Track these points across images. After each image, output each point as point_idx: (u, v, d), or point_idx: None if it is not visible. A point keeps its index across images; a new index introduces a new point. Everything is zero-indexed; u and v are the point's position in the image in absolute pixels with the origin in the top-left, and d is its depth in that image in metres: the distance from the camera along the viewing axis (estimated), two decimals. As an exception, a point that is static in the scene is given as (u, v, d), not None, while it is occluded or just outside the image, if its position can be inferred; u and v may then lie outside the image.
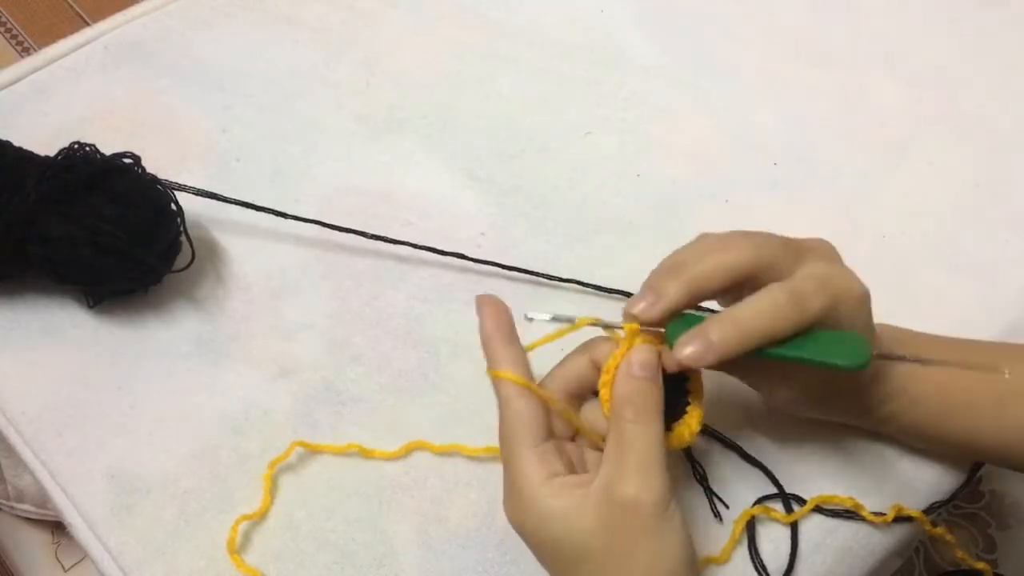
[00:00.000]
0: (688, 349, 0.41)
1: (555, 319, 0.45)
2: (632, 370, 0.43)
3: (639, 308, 0.43)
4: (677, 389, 0.45)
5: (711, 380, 0.54)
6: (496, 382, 0.44)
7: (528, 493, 0.42)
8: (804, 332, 0.43)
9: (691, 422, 0.45)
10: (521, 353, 0.44)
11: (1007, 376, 0.49)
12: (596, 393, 0.45)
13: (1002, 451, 0.50)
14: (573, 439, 0.46)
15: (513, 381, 0.43)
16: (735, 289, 0.44)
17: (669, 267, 0.44)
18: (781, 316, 0.42)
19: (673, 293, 0.43)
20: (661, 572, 0.41)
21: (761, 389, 0.49)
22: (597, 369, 0.45)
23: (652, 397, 0.42)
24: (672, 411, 0.44)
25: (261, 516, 0.50)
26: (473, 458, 0.52)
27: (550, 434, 0.44)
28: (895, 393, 0.49)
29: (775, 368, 0.47)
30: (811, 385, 0.48)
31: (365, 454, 0.52)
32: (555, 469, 0.42)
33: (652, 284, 0.44)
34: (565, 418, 0.45)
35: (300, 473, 0.52)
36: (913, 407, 0.49)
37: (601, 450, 0.44)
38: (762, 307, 0.42)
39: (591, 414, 0.46)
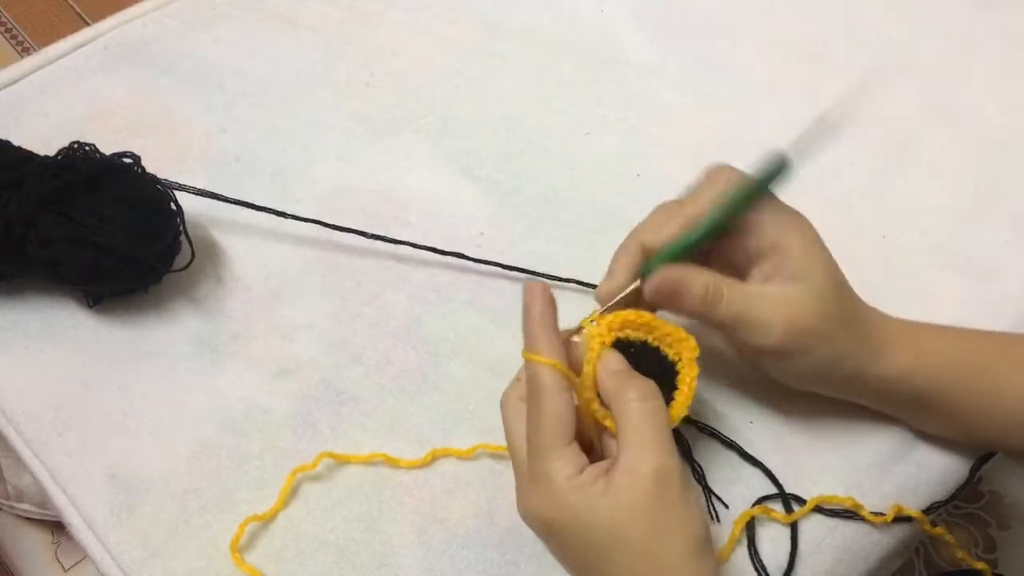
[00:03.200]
0: (651, 286, 0.47)
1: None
2: (610, 366, 0.44)
3: (602, 290, 0.48)
4: (667, 377, 0.47)
5: (710, 380, 0.55)
6: (535, 368, 0.43)
7: (560, 487, 0.42)
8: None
9: (676, 407, 0.47)
10: (562, 346, 0.44)
11: None
12: None
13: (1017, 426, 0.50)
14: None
15: (556, 369, 0.43)
16: None
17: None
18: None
19: (620, 261, 0.49)
20: (697, 538, 0.42)
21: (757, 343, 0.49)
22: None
23: (642, 381, 0.44)
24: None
25: (270, 518, 0.50)
26: (469, 459, 0.52)
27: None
28: (900, 340, 0.49)
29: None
30: (808, 337, 0.48)
31: (391, 463, 0.52)
32: (583, 463, 0.43)
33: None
34: (593, 417, 0.45)
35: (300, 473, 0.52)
36: (923, 362, 0.49)
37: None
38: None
39: None
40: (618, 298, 0.48)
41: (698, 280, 0.47)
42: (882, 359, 0.49)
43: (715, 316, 0.47)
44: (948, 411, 0.51)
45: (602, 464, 0.43)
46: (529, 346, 0.44)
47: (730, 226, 0.48)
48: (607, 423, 0.44)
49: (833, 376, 0.50)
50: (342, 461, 0.52)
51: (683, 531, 0.41)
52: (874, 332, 0.50)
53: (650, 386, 0.44)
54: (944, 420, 0.52)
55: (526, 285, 0.45)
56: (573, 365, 0.45)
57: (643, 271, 0.48)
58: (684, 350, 0.48)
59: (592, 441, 0.45)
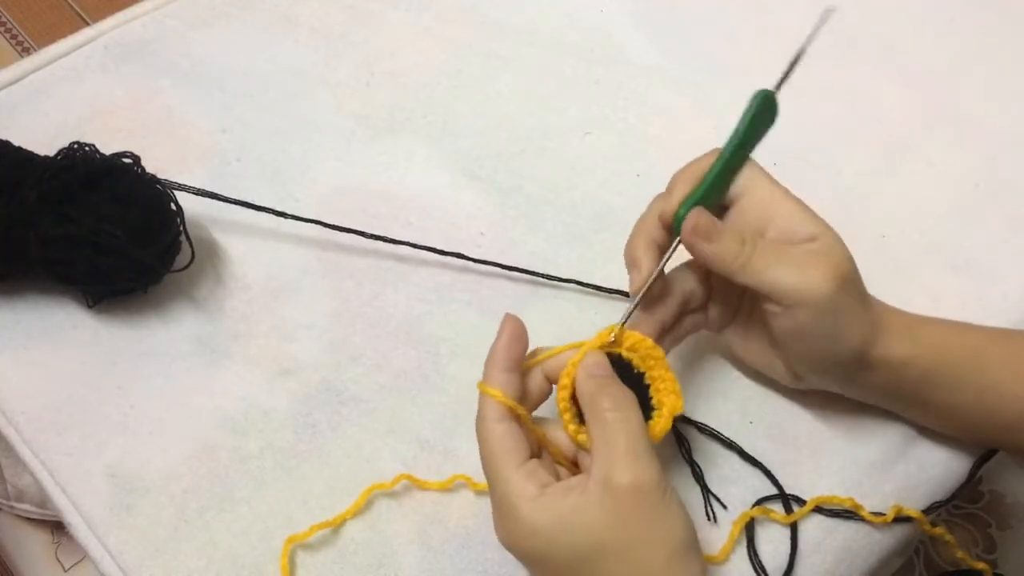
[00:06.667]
0: (690, 224, 0.46)
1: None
2: (591, 370, 0.44)
3: (635, 287, 0.47)
4: (641, 388, 0.46)
5: (710, 380, 0.54)
6: (481, 398, 0.44)
7: (526, 511, 0.41)
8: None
9: (660, 420, 0.46)
10: (517, 382, 0.45)
11: None
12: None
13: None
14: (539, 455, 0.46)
15: (498, 400, 0.43)
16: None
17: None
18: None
19: (642, 247, 0.48)
20: (680, 542, 0.41)
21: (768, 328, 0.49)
22: (548, 382, 0.46)
23: (620, 390, 0.44)
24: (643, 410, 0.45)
25: (337, 525, 0.50)
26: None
27: (532, 454, 0.44)
28: (899, 326, 0.49)
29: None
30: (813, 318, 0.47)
31: (418, 484, 0.52)
32: (545, 480, 0.42)
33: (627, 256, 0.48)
34: (535, 436, 0.45)
35: (298, 472, 0.52)
36: (922, 351, 0.49)
37: (564, 465, 0.45)
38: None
39: (553, 433, 0.46)
40: (649, 282, 0.47)
41: (728, 232, 0.47)
42: (885, 340, 0.49)
43: (751, 266, 0.46)
44: (949, 406, 0.51)
45: (572, 480, 0.43)
46: (483, 376, 0.45)
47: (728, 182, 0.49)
48: (580, 438, 0.44)
49: (843, 353, 0.48)
50: (422, 487, 0.51)
51: (665, 538, 0.41)
52: (878, 312, 0.49)
53: (627, 396, 0.44)
54: (946, 416, 0.52)
55: (505, 315, 0.45)
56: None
57: (675, 224, 0.47)
58: (650, 358, 0.47)
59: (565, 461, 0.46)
